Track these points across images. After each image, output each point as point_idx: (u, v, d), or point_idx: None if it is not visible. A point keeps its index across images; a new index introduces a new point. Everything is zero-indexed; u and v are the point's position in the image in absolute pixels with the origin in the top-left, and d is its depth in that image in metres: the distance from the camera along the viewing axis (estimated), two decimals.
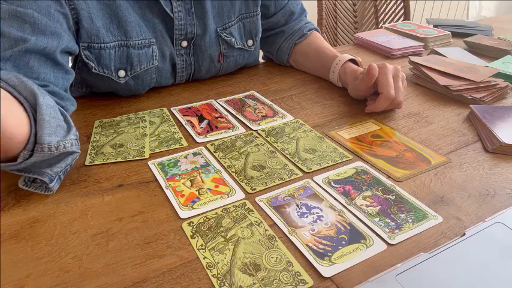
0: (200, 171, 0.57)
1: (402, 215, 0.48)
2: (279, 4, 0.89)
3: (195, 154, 0.61)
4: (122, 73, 0.72)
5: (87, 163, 0.58)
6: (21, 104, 0.48)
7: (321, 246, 0.44)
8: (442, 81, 0.79)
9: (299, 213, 0.49)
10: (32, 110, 0.48)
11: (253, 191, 0.53)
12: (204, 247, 0.44)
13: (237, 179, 0.55)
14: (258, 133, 0.66)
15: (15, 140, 0.45)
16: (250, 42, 0.86)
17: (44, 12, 0.58)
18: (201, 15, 0.77)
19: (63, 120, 0.52)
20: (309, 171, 0.57)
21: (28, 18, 0.57)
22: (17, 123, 0.45)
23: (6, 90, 0.46)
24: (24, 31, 0.56)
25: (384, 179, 0.55)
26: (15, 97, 0.47)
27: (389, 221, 0.48)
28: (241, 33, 0.84)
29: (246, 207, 0.50)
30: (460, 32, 1.17)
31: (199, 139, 0.64)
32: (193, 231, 0.46)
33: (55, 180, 0.51)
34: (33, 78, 0.56)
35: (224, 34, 0.81)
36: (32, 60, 0.57)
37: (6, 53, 0.54)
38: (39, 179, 0.51)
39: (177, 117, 0.71)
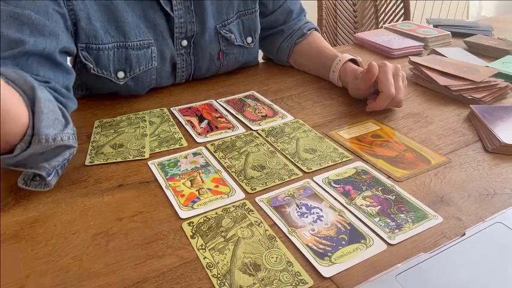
0: (200, 171, 0.57)
1: (402, 215, 0.48)
2: (277, 2, 0.89)
3: (195, 154, 0.61)
4: (121, 74, 0.72)
5: (87, 163, 0.58)
6: (20, 97, 0.48)
7: (321, 246, 0.44)
8: (442, 81, 0.79)
9: (299, 213, 0.49)
10: (31, 104, 0.48)
11: (253, 191, 0.53)
12: (204, 247, 0.44)
13: (237, 179, 0.55)
14: (258, 133, 0.66)
15: (19, 121, 0.46)
16: (249, 39, 0.86)
17: (42, 12, 0.58)
18: (200, 12, 0.77)
19: (61, 115, 0.53)
20: (309, 171, 0.57)
21: (26, 19, 0.56)
22: (19, 105, 0.46)
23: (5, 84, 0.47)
24: (22, 32, 0.56)
25: (383, 179, 0.55)
26: (14, 90, 0.47)
27: (389, 221, 0.48)
28: (240, 30, 0.84)
29: (246, 207, 0.50)
30: (460, 32, 1.17)
31: (199, 139, 0.64)
32: (193, 231, 0.46)
33: (52, 175, 0.51)
34: (33, 75, 0.56)
35: (224, 31, 0.81)
36: (31, 61, 0.56)
37: (5, 54, 0.54)
38: (38, 177, 0.51)
39: (177, 117, 0.71)
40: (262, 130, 0.67)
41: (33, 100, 0.48)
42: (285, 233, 0.46)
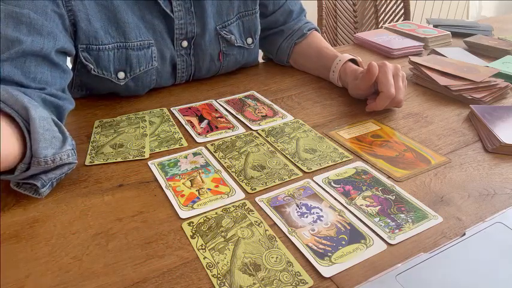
0: (200, 171, 0.57)
1: (402, 215, 0.48)
2: (277, 3, 0.89)
3: (195, 154, 0.61)
4: (121, 75, 0.72)
5: (87, 163, 0.58)
6: (14, 119, 0.48)
7: (321, 246, 0.44)
8: (442, 81, 0.79)
9: (299, 213, 0.49)
10: (26, 123, 0.48)
11: (253, 191, 0.53)
12: (204, 247, 0.44)
13: (237, 179, 0.55)
14: (258, 133, 0.66)
15: (9, 160, 0.46)
16: (249, 40, 0.86)
17: (40, 12, 0.58)
18: (200, 14, 0.77)
19: (58, 131, 0.52)
20: (309, 171, 0.57)
21: (24, 18, 0.56)
22: (10, 146, 0.46)
23: None
24: (20, 31, 0.56)
25: (383, 179, 0.55)
26: (6, 112, 0.47)
27: (389, 221, 0.47)
28: (241, 31, 0.84)
29: (246, 207, 0.50)
30: (460, 32, 1.17)
31: (199, 139, 0.64)
32: (193, 231, 0.46)
33: (47, 186, 0.51)
34: (31, 78, 0.56)
35: (224, 32, 0.81)
36: (29, 62, 0.56)
37: (4, 56, 0.54)
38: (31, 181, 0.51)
39: (177, 117, 0.71)
40: (262, 130, 0.67)
41: (27, 120, 0.48)
42: (285, 233, 0.46)
